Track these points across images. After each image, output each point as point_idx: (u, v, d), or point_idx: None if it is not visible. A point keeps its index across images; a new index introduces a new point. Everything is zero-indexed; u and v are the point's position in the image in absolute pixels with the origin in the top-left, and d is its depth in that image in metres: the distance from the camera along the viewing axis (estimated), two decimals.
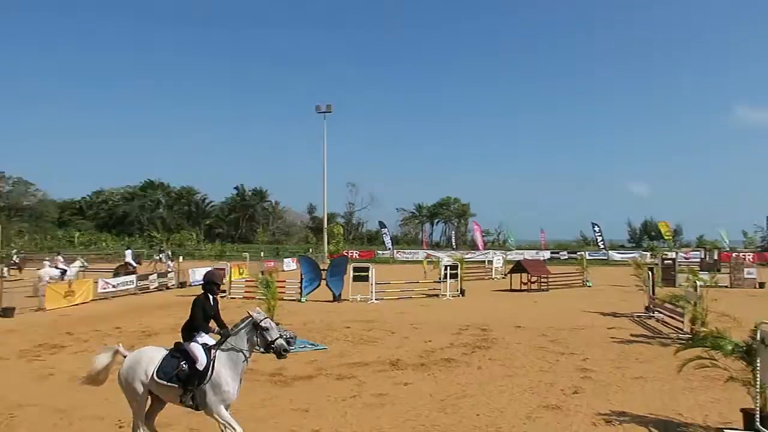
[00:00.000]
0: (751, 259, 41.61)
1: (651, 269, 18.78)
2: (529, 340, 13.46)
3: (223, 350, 5.99)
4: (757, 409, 6.67)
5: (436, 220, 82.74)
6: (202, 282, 6.54)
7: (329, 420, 7.49)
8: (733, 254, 41.58)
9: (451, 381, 9.69)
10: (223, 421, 5.82)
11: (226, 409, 5.92)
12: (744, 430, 6.76)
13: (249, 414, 7.54)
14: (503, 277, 32.26)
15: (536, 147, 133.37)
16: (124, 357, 6.20)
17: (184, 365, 5.91)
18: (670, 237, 56.78)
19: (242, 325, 6.10)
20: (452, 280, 23.84)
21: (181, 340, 6.18)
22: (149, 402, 6.10)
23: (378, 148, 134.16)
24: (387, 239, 60.47)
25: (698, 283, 13.42)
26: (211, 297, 6.38)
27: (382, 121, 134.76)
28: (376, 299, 21.70)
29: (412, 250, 59.07)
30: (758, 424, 6.63)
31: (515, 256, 47.37)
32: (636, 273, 19.44)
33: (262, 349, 6.06)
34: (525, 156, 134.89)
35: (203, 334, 6.14)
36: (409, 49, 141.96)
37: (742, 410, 6.96)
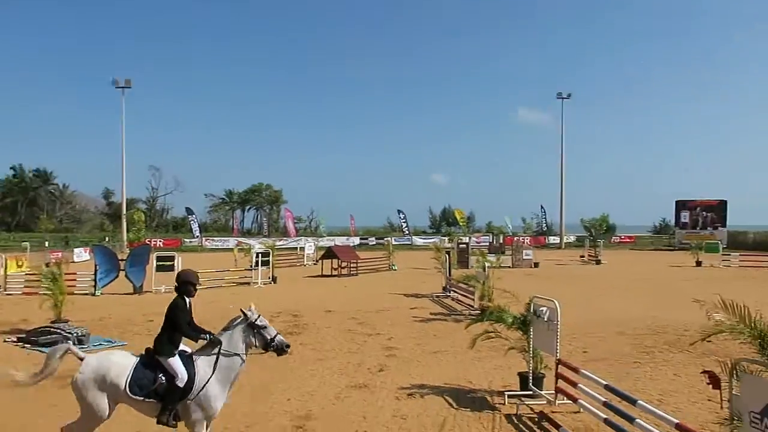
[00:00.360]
0: (529, 243, 47.62)
1: (448, 253, 20.54)
2: (339, 324, 13.89)
3: (212, 358, 5.34)
4: (530, 371, 7.72)
5: (247, 207, 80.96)
6: (176, 284, 5.68)
7: (125, 421, 6.95)
8: (515, 238, 47.30)
9: (261, 369, 9.60)
10: None
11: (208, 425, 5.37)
12: (520, 390, 7.77)
13: (32, 421, 6.71)
14: (315, 264, 32.76)
15: (348, 136, 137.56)
16: (81, 359, 5.21)
17: (162, 378, 5.16)
18: (465, 223, 62.59)
19: (234, 325, 5.56)
20: (264, 268, 23.58)
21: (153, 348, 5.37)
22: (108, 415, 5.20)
23: (185, 131, 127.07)
24: (195, 226, 57.64)
25: (486, 264, 15.02)
26: (187, 300, 5.62)
27: (190, 103, 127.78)
28: None
29: (222, 238, 57.15)
30: (531, 384, 7.67)
31: (326, 242, 48.40)
32: (435, 256, 21.08)
33: (260, 350, 5.62)
34: (337, 145, 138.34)
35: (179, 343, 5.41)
36: (218, 27, 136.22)
37: (519, 374, 7.99)
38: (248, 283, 22.95)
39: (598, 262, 35.17)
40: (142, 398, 5.13)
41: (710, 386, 4.31)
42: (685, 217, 53.66)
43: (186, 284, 5.65)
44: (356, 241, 55.22)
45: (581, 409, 6.83)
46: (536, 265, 32.22)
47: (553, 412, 7.10)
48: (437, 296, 18.99)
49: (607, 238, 52.36)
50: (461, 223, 62.10)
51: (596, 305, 16.93)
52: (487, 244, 47.78)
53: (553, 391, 7.31)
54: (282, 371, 9.37)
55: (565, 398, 7.13)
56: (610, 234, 57.42)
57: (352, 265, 28.05)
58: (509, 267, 30.87)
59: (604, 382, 6.50)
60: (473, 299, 15.42)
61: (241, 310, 5.63)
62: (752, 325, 3.77)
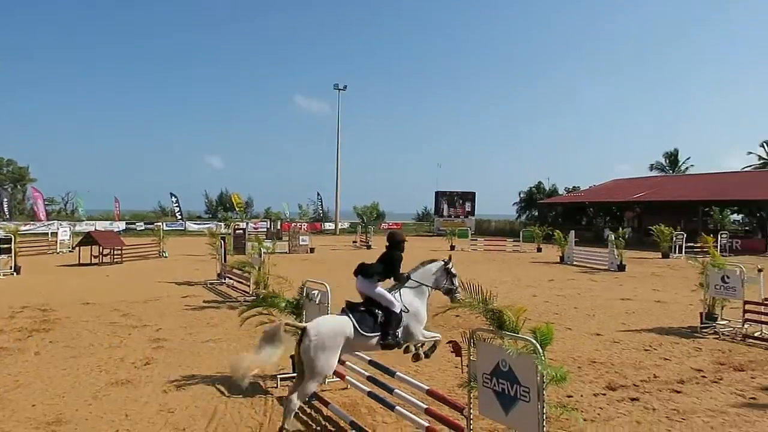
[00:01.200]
0: (305, 229, 48.74)
1: (223, 238, 20.01)
2: (99, 317, 12.67)
3: (408, 287, 6.54)
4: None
5: None
6: (390, 243, 6.77)
7: None
8: (292, 224, 48.00)
9: None
10: (428, 338, 6.63)
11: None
12: (293, 372, 7.96)
13: None
14: (70, 251, 29.41)
15: (113, 112, 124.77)
16: (301, 329, 5.85)
17: (379, 313, 6.21)
18: (242, 209, 61.43)
19: (431, 265, 6.76)
20: (4, 256, 20.34)
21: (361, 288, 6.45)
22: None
23: None
24: None
25: (262, 249, 14.99)
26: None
27: None
28: None
29: None
30: None
31: (86, 227, 43.61)
32: (210, 242, 20.39)
33: (442, 291, 6.78)
34: (98, 121, 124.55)
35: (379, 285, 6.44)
36: None
37: (291, 356, 8.15)
38: None
39: (369, 247, 37.54)
40: (371, 333, 6.14)
41: (454, 354, 4.96)
42: (442, 206, 59.97)
43: (401, 243, 6.81)
44: (122, 226, 50.53)
45: (348, 385, 7.29)
46: (312, 250, 33.15)
47: (323, 390, 7.43)
48: (211, 283, 18.42)
49: (378, 224, 56.10)
50: (238, 209, 60.85)
51: None
52: (265, 229, 47.66)
53: None
54: (25, 374, 8.25)
55: (334, 376, 7.52)
56: (380, 221, 61.61)
57: (115, 252, 25.71)
58: (286, 252, 31.30)
59: (368, 358, 7.02)
60: (248, 285, 15.31)
61: (444, 260, 6.89)
62: (484, 300, 4.44)
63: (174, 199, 57.57)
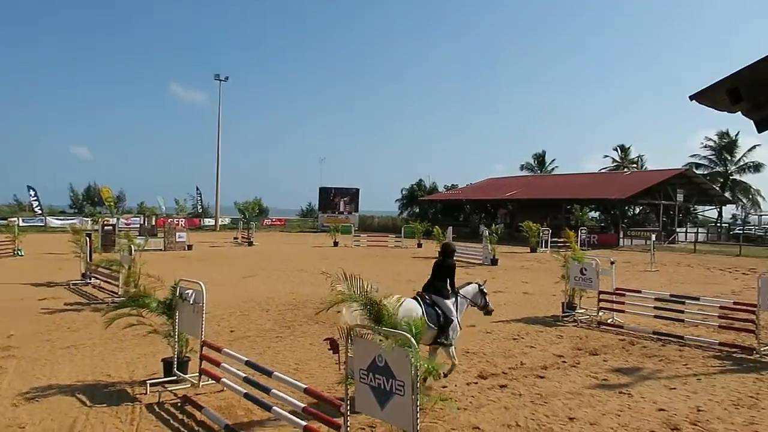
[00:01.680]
0: (183, 225, 46.53)
1: (89, 235, 18.54)
2: None
3: (459, 301, 7.74)
4: (175, 356, 7.57)
5: None
6: (446, 252, 7.96)
7: None
8: (168, 220, 45.62)
9: None
10: (453, 354, 7.51)
11: None
12: (164, 377, 7.55)
13: None
14: None
15: None
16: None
17: (440, 313, 7.26)
18: (112, 203, 57.30)
19: (470, 287, 8.08)
20: None
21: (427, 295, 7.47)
22: None
23: None
24: None
25: (132, 247, 14.05)
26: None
27: None
28: None
29: None
30: (176, 369, 7.54)
31: None
32: (74, 239, 18.79)
33: (479, 307, 8.13)
34: None
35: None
36: None
37: (163, 360, 7.76)
38: None
39: (251, 244, 36.65)
40: (432, 326, 7.06)
41: (331, 351, 4.94)
42: (338, 202, 59.87)
43: (453, 252, 8.05)
44: None
45: (224, 388, 7.03)
46: (190, 247, 31.72)
47: (197, 394, 7.13)
48: (75, 284, 16.99)
49: (260, 220, 54.91)
50: (108, 203, 56.72)
51: (246, 285, 17.61)
52: (138, 226, 44.92)
53: (198, 374, 7.34)
54: None
55: (209, 379, 7.23)
56: (263, 216, 60.36)
57: None
58: (161, 250, 29.72)
59: (245, 359, 6.82)
60: (117, 285, 14.29)
61: (478, 281, 8.27)
62: (363, 294, 4.47)
63: (32, 193, 52.47)
